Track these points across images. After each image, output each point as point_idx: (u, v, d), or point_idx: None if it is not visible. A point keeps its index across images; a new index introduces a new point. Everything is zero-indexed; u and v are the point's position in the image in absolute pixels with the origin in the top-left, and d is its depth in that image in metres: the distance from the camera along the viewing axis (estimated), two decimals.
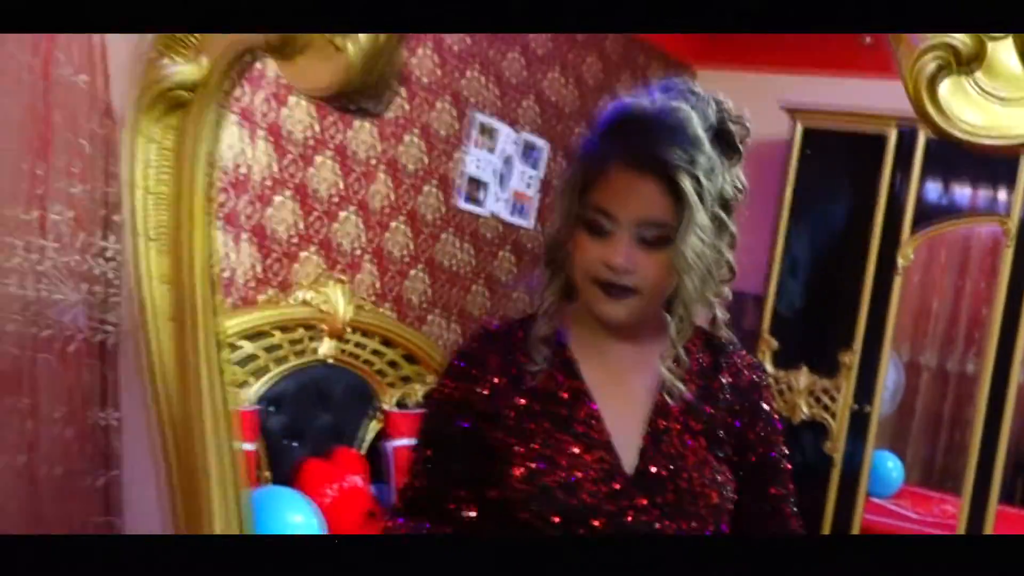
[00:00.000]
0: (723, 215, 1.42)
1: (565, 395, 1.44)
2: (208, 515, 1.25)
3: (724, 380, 1.47)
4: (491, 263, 4.38)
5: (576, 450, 1.40)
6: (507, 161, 4.30)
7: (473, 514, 1.47)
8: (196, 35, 1.25)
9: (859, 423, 4.40)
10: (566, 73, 4.59)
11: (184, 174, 1.26)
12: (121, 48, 1.37)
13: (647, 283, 1.37)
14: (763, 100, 4.61)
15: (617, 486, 1.39)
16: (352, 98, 1.18)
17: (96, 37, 1.38)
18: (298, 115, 3.46)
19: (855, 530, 4.35)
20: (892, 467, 4.84)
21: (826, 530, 4.32)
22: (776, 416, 1.56)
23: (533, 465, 1.40)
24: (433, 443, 1.53)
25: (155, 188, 1.27)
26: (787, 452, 1.55)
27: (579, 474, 1.38)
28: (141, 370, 1.32)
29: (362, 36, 1.12)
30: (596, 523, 1.36)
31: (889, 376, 4.60)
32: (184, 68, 1.26)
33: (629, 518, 1.37)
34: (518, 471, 1.41)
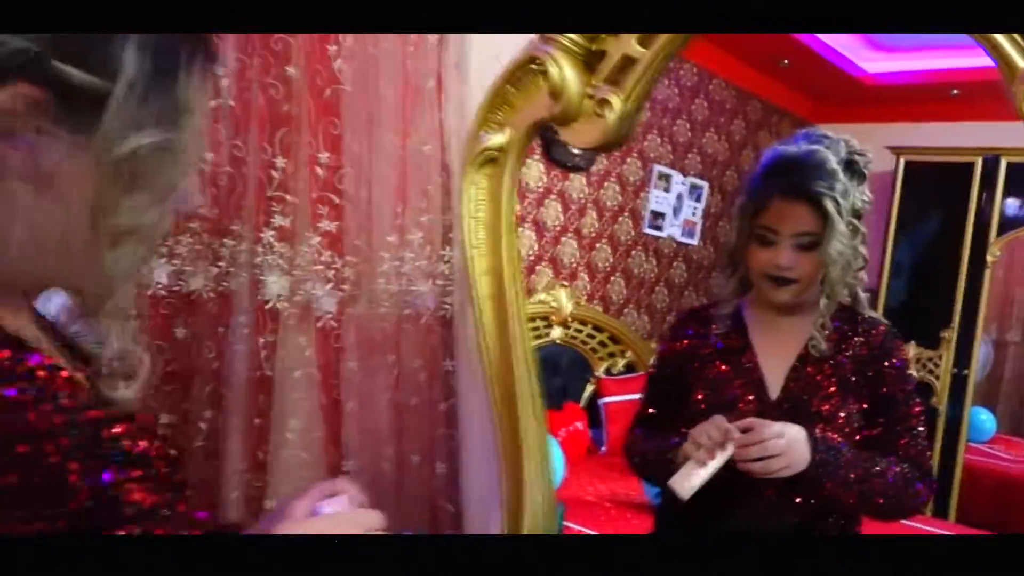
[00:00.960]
0: (856, 222, 1.42)
1: (736, 347, 1.48)
2: (522, 428, 1.36)
3: (858, 340, 1.44)
4: (668, 271, 4.38)
5: (738, 383, 1.44)
6: (679, 198, 4.29)
7: (683, 430, 1.53)
8: (502, 113, 1.38)
9: (958, 384, 4.13)
10: (719, 132, 4.55)
11: (496, 205, 1.37)
12: (452, 125, 1.50)
13: (804, 275, 1.39)
14: (872, 144, 4.45)
15: (763, 405, 1.41)
16: (610, 147, 1.27)
17: (437, 117, 1.52)
18: (533, 172, 3.57)
19: (958, 468, 4.09)
20: (985, 419, 4.50)
21: (936, 468, 4.08)
22: (908, 369, 1.48)
23: (711, 391, 1.46)
24: (657, 381, 1.60)
25: (476, 214, 1.39)
26: (916, 395, 1.48)
27: (735, 395, 1.43)
28: (470, 332, 1.45)
29: (616, 105, 1.22)
30: None
31: (981, 351, 4.30)
32: (495, 137, 1.38)
33: None
34: (700, 396, 1.47)
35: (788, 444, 1.29)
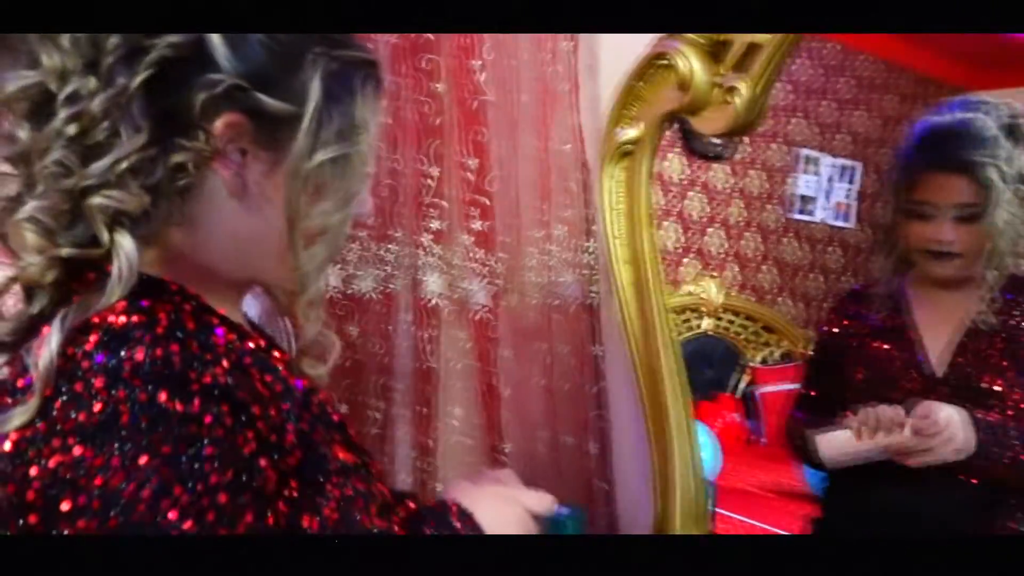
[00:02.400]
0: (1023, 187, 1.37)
1: (897, 326, 1.45)
2: (667, 407, 1.42)
3: None
4: (823, 256, 4.24)
5: (899, 362, 1.41)
6: (828, 180, 4.16)
7: (847, 413, 1.52)
8: (634, 108, 1.44)
9: None
10: (870, 110, 4.36)
11: (633, 196, 1.43)
12: (588, 124, 1.58)
13: (967, 248, 1.34)
14: None
15: (926, 383, 1.37)
16: (740, 132, 1.30)
17: (573, 118, 1.60)
18: (675, 165, 3.58)
19: None
20: None
21: None
22: None
23: (873, 371, 1.45)
24: (818, 363, 1.58)
25: (616, 206, 1.46)
26: None
27: (898, 374, 1.40)
28: (615, 319, 1.51)
29: (744, 91, 1.25)
30: None
31: None
32: (629, 132, 1.44)
33: None
34: (861, 376, 1.45)
35: (957, 428, 1.25)
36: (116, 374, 0.55)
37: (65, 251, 0.60)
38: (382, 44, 1.85)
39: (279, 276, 0.72)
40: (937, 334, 1.42)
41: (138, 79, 0.59)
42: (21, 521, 0.55)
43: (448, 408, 1.84)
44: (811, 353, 1.66)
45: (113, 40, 0.59)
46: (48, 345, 0.58)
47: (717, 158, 3.70)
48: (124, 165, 0.60)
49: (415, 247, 1.85)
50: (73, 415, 0.54)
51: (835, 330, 1.54)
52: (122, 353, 0.55)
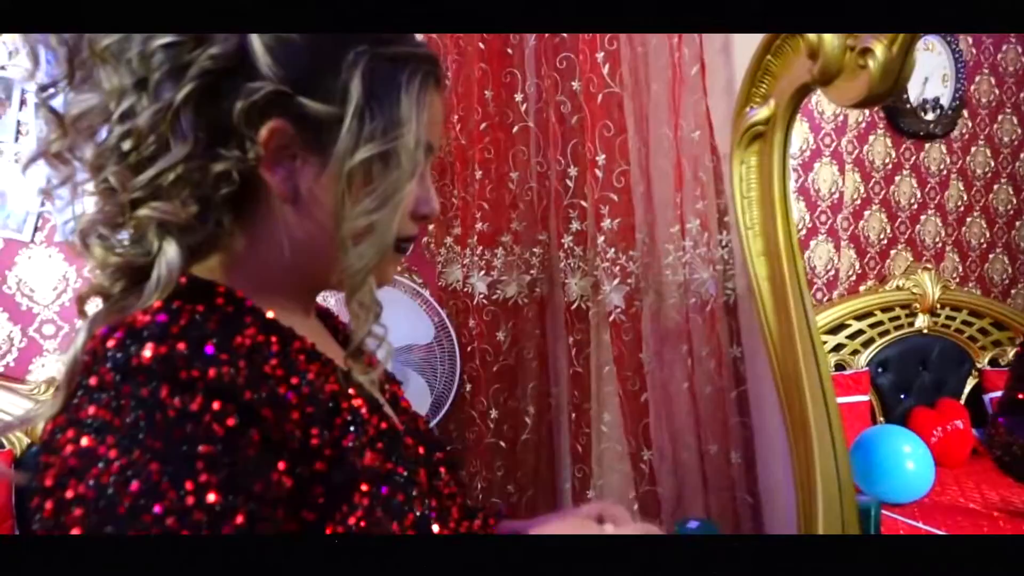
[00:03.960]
0: None
1: None
2: (808, 411, 1.27)
3: None
4: None
5: None
6: None
7: None
8: (765, 84, 1.32)
9: None
10: None
11: (766, 181, 1.30)
12: (718, 108, 1.46)
13: None
14: None
15: None
16: (878, 100, 1.14)
17: (703, 102, 1.49)
18: (877, 148, 3.25)
19: None
20: None
21: None
22: None
23: None
24: None
25: (748, 194, 1.34)
26: None
27: None
28: (754, 317, 1.39)
29: (879, 53, 1.09)
30: None
31: None
32: (760, 111, 1.32)
33: None
34: None
35: None
36: (125, 369, 0.56)
37: (117, 259, 0.63)
38: (525, 48, 1.85)
39: (334, 278, 0.71)
40: None
41: (182, 92, 0.61)
42: (41, 507, 0.57)
43: (599, 414, 1.79)
44: (1020, 348, 1.43)
45: (159, 56, 0.61)
46: (74, 344, 0.61)
47: (930, 137, 3.30)
48: (171, 176, 0.62)
49: (558, 250, 1.82)
50: (86, 407, 0.56)
51: None
52: (132, 349, 0.57)
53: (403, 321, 1.94)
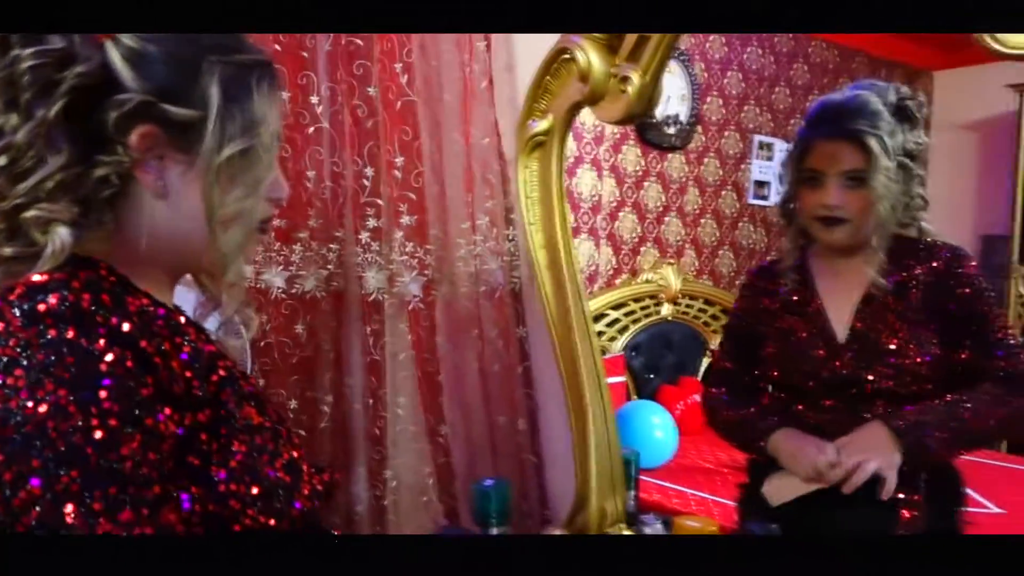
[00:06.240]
0: (908, 162, 1.42)
1: (802, 297, 1.52)
2: (583, 383, 1.48)
3: (922, 268, 1.44)
4: (778, 240, 4.29)
5: (806, 332, 1.48)
6: (783, 165, 4.23)
7: (760, 384, 1.59)
8: (544, 101, 1.51)
9: None
10: (823, 94, 4.42)
11: (545, 183, 1.48)
12: (504, 119, 1.65)
13: (854, 213, 1.41)
14: (992, 84, 4.22)
15: (831, 350, 1.45)
16: (635, 119, 1.36)
17: (491, 113, 1.67)
18: (629, 157, 3.64)
19: None
20: None
21: None
22: (983, 286, 1.43)
23: (781, 344, 1.52)
24: (732, 337, 1.66)
25: (531, 194, 1.50)
26: (997, 309, 1.44)
27: (804, 344, 1.47)
28: (536, 301, 1.57)
29: (636, 80, 1.31)
30: (823, 376, 1.44)
31: None
32: (541, 123, 1.50)
33: (844, 371, 1.43)
34: (771, 349, 1.53)
35: (875, 455, 1.31)
36: (32, 315, 0.63)
37: (8, 251, 0.69)
38: (320, 53, 1.92)
39: (205, 262, 0.80)
40: (839, 301, 1.50)
41: (54, 109, 0.67)
42: None
43: (395, 398, 1.92)
44: (726, 328, 1.73)
45: (28, 77, 0.67)
46: None
47: (672, 148, 3.77)
48: (50, 184, 0.68)
49: (355, 245, 1.92)
50: None
51: (746, 305, 1.61)
52: (39, 298, 0.64)
53: (184, 306, 1.94)
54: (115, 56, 0.69)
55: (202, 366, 0.73)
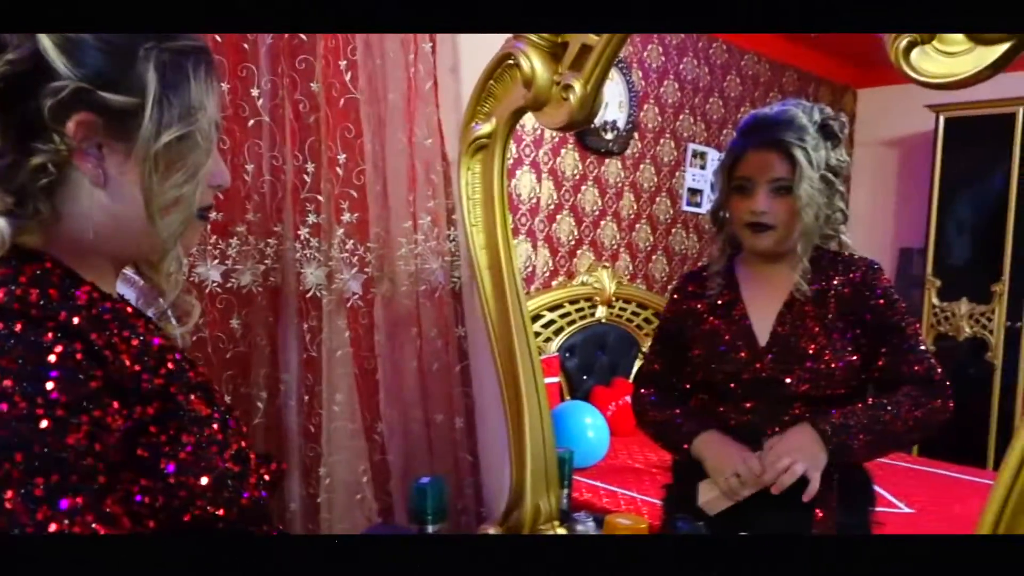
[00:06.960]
0: (831, 176, 1.50)
1: (728, 301, 1.58)
2: (521, 382, 1.51)
3: (840, 279, 1.50)
4: (710, 246, 4.43)
5: (729, 336, 1.54)
6: (715, 174, 4.34)
7: (687, 386, 1.65)
8: (488, 105, 1.53)
9: (1012, 337, 4.05)
10: (755, 106, 4.56)
11: (487, 185, 1.50)
12: (448, 120, 1.66)
13: (780, 220, 1.48)
14: (913, 104, 4.43)
15: (753, 353, 1.50)
16: (577, 126, 1.40)
17: (435, 113, 1.68)
18: (568, 160, 3.68)
19: (1017, 416, 4.02)
20: None
21: (993, 419, 4.02)
22: (895, 296, 1.50)
23: (706, 346, 1.57)
24: (661, 339, 1.70)
25: (473, 196, 1.52)
26: (909, 316, 1.50)
27: (728, 347, 1.53)
28: (476, 301, 1.59)
29: (577, 89, 1.35)
30: (744, 378, 1.50)
31: None
32: (484, 127, 1.52)
33: (764, 374, 1.48)
34: (697, 352, 1.58)
35: (803, 456, 1.37)
36: None
37: None
38: (261, 46, 1.91)
39: (145, 249, 0.80)
40: (763, 307, 1.56)
41: None
42: None
43: (332, 395, 1.91)
44: (657, 331, 1.79)
45: None
46: None
47: (610, 153, 3.84)
48: None
49: (294, 241, 1.91)
50: None
51: (675, 309, 1.67)
52: None
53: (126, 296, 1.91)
54: (47, 44, 0.69)
55: (151, 359, 0.73)
